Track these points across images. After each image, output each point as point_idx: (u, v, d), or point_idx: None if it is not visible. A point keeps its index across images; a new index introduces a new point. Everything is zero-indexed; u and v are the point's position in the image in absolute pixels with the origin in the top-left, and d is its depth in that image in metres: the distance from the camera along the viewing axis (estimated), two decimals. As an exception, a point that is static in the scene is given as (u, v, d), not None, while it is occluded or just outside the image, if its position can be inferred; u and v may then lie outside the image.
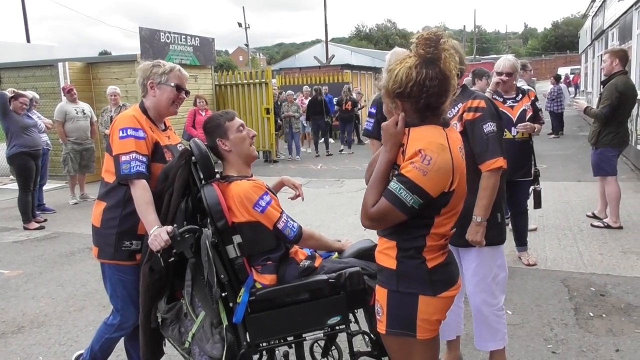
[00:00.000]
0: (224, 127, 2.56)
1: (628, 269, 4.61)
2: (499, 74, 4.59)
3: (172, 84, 2.73)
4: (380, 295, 1.94)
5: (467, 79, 2.71)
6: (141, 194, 2.51)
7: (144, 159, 2.57)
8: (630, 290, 4.16)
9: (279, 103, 13.77)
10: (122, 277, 2.72)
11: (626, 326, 3.58)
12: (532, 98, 4.67)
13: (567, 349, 3.33)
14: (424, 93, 1.74)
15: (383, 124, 1.88)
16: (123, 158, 2.54)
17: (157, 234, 2.34)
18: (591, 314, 3.80)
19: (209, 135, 2.60)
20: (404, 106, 1.82)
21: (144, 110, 2.77)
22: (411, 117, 1.83)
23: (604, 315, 3.77)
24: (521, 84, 5.20)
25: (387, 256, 1.92)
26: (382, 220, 1.85)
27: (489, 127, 2.62)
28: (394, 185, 1.77)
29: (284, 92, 14.74)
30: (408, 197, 1.74)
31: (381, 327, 1.94)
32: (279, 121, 13.35)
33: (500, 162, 2.61)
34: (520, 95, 4.66)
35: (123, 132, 2.59)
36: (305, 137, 14.77)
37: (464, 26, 77.61)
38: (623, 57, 5.69)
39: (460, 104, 2.67)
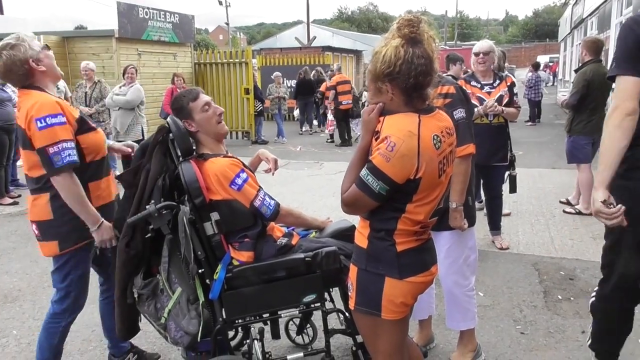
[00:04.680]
0: (187, 109, 2.53)
1: (597, 254, 4.66)
2: (476, 54, 4.63)
3: (45, 45, 2.62)
4: (352, 272, 1.98)
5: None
6: (72, 186, 2.45)
7: (72, 145, 2.45)
8: (598, 275, 4.20)
9: (258, 85, 13.57)
10: (81, 257, 2.66)
11: (592, 308, 3.69)
12: (509, 83, 4.71)
13: (535, 330, 3.43)
14: (413, 71, 1.74)
15: (362, 110, 1.91)
16: (52, 150, 2.39)
17: (105, 229, 2.53)
18: (560, 297, 3.91)
19: (176, 116, 2.58)
20: (392, 88, 1.80)
21: (44, 91, 2.57)
22: (398, 99, 1.82)
23: (572, 299, 3.88)
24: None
25: (361, 235, 1.95)
26: (355, 206, 1.87)
27: (459, 113, 2.65)
28: (363, 172, 1.80)
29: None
30: (374, 183, 1.76)
31: (351, 304, 1.99)
32: (257, 102, 13.07)
33: (470, 148, 2.66)
34: (498, 81, 4.69)
35: (41, 122, 2.39)
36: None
37: (446, 11, 77.52)
38: (591, 47, 5.77)
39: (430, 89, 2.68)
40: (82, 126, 2.57)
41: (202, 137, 2.57)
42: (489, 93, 4.63)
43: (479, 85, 4.65)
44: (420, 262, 1.93)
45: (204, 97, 2.58)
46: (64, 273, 2.67)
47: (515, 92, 4.75)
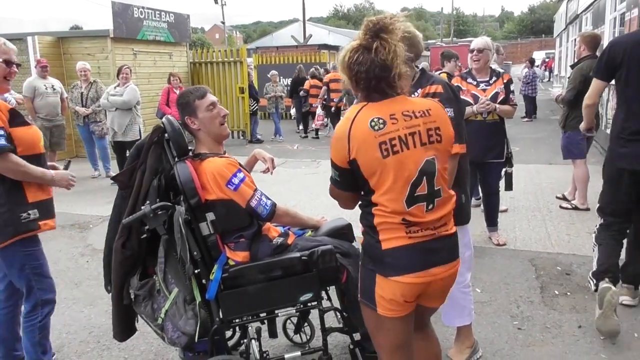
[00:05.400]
0: (193, 106, 2.53)
1: (593, 249, 4.74)
2: (471, 51, 4.62)
3: (0, 60, 2.64)
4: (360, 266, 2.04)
5: (424, 64, 2.70)
6: (10, 166, 2.50)
7: (2, 132, 2.48)
8: None
9: (253, 84, 13.49)
10: (27, 250, 2.68)
11: (589, 304, 3.70)
12: (506, 80, 4.68)
13: (532, 326, 3.44)
14: (353, 76, 1.89)
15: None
16: None
17: (59, 177, 2.62)
18: (556, 292, 3.92)
19: (179, 111, 2.59)
20: (349, 81, 1.95)
21: None
22: (357, 91, 1.96)
23: (568, 294, 3.89)
24: (494, 67, 5.24)
25: (362, 232, 2.02)
26: (335, 198, 2.07)
27: (447, 113, 2.63)
28: None
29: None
30: (332, 172, 1.97)
31: (358, 294, 2.04)
32: (252, 101, 13.03)
33: (457, 148, 2.63)
34: (494, 78, 4.67)
35: None
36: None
37: (442, 8, 77.72)
38: (590, 42, 5.74)
39: (420, 89, 2.64)
40: (14, 119, 2.59)
41: (203, 136, 2.57)
42: (484, 90, 4.62)
43: (474, 83, 4.64)
44: (412, 262, 1.87)
45: (211, 97, 2.59)
46: (17, 270, 2.69)
47: (512, 89, 4.73)
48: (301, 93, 13.66)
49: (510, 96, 4.67)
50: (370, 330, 2.07)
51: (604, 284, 3.23)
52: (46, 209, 2.73)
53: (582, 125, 3.99)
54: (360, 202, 1.98)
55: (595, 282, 3.34)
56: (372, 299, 1.93)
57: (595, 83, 3.47)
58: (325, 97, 12.63)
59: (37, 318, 2.75)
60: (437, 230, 1.91)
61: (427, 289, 1.94)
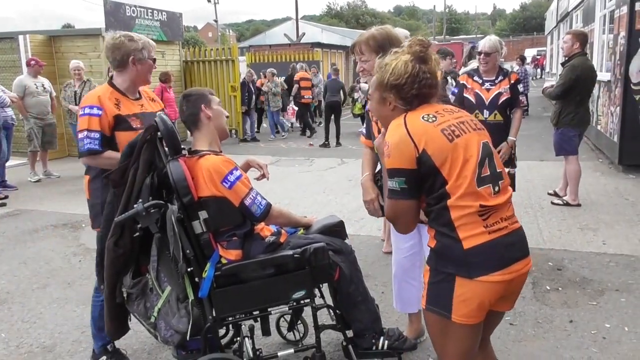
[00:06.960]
0: (208, 97, 2.63)
1: (584, 245, 4.78)
2: (479, 53, 4.59)
3: (151, 59, 2.89)
4: (425, 272, 1.95)
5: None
6: (98, 162, 2.74)
7: (97, 135, 2.71)
8: (585, 265, 4.33)
9: (246, 82, 13.42)
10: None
11: (580, 299, 3.74)
12: (513, 81, 4.56)
13: (524, 321, 3.46)
14: (417, 83, 1.90)
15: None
16: (79, 135, 2.74)
17: None
18: (548, 288, 3.95)
19: (191, 102, 2.58)
20: (396, 99, 1.94)
21: (113, 86, 2.87)
22: (400, 109, 1.96)
23: (560, 289, 3.92)
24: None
25: (429, 236, 1.94)
26: (396, 216, 1.94)
27: None
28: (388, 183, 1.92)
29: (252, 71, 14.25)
30: (394, 183, 1.86)
31: (422, 302, 1.95)
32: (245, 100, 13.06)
33: None
34: (501, 78, 4.57)
35: (82, 110, 2.76)
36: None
37: (434, 6, 77.72)
38: (582, 39, 5.80)
39: None
40: (119, 124, 2.80)
41: (210, 129, 2.60)
42: (488, 90, 4.53)
43: (480, 81, 4.56)
44: (496, 258, 1.81)
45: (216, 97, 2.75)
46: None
47: (521, 90, 4.62)
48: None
49: (520, 98, 4.62)
50: (436, 340, 1.98)
51: None
52: None
53: None
54: (429, 204, 1.88)
55: None
56: (446, 305, 1.83)
57: None
58: (295, 94, 13.52)
59: (101, 297, 2.87)
60: (509, 222, 1.91)
61: (508, 288, 1.87)
